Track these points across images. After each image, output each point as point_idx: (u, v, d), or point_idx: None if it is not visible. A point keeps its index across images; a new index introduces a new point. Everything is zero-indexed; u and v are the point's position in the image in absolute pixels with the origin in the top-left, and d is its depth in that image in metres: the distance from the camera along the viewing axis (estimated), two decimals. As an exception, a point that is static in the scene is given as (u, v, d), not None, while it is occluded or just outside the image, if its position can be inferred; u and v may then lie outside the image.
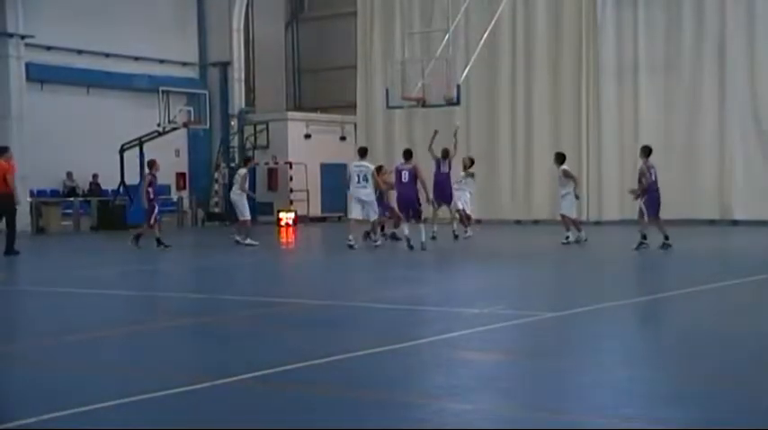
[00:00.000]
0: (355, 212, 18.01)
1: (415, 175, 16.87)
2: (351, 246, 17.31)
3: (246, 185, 19.55)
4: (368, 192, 17.70)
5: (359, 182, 17.72)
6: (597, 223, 26.43)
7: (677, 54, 25.85)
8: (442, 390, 5.94)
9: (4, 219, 18.33)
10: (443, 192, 19.57)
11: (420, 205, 17.03)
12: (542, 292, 11.48)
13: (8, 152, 18.53)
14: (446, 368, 6.72)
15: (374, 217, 18.02)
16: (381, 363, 6.86)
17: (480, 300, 10.31)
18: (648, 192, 16.61)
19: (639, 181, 16.72)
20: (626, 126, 26.52)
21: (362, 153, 18.67)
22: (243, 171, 19.86)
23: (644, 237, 16.46)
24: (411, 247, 16.66)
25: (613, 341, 7.90)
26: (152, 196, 18.63)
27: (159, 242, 18.36)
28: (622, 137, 26.56)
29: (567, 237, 18.54)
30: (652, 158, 17.24)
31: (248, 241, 18.93)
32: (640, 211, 16.75)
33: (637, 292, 10.60)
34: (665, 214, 25.55)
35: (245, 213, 19.26)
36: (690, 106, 25.68)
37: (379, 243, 18.21)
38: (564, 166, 18.94)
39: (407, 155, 17.48)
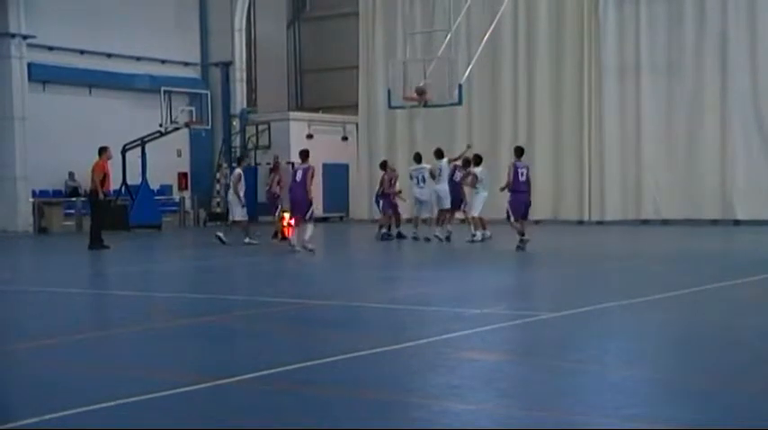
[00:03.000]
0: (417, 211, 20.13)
1: (309, 176, 16.74)
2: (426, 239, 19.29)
3: (241, 185, 19.57)
4: (424, 192, 19.77)
5: (417, 183, 19.83)
6: (599, 223, 26.44)
7: (679, 53, 25.85)
8: (444, 390, 5.94)
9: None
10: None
11: (310, 206, 16.86)
12: (543, 293, 11.48)
13: (107, 152, 19.18)
14: (447, 368, 6.71)
15: (426, 215, 20.13)
16: (382, 364, 6.87)
17: (481, 301, 10.32)
18: (513, 193, 16.73)
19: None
20: (628, 125, 26.52)
21: (418, 159, 20.52)
22: (237, 171, 19.90)
23: (521, 233, 16.69)
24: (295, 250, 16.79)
25: (614, 341, 7.90)
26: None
27: (276, 235, 19.46)
28: (625, 136, 26.56)
29: (474, 235, 18.73)
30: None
31: (221, 235, 19.16)
32: (507, 212, 16.94)
33: (638, 292, 10.59)
34: (670, 214, 25.75)
35: (241, 213, 19.43)
36: (692, 105, 25.67)
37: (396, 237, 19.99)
38: (478, 169, 18.99)
39: (304, 155, 17.32)
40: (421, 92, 20.37)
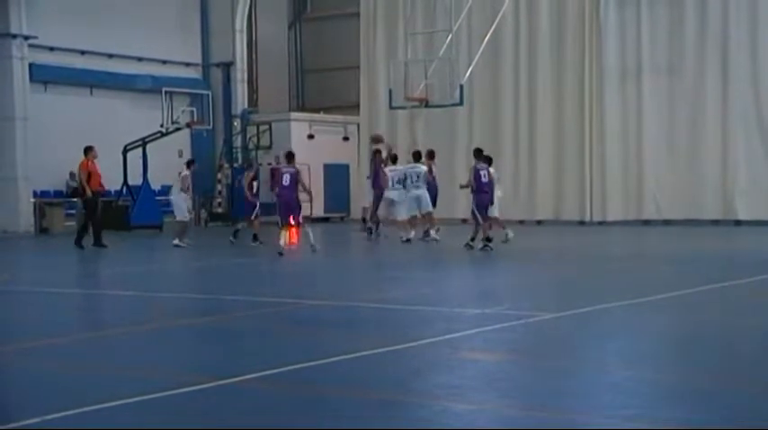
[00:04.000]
0: (411, 210, 19.37)
1: (296, 179, 16.74)
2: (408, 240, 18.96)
3: (188, 185, 20.17)
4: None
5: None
6: (601, 223, 26.45)
7: (680, 55, 25.84)
8: (445, 390, 5.95)
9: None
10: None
11: (300, 209, 16.97)
12: (544, 293, 11.48)
13: (92, 151, 19.52)
14: (448, 368, 6.73)
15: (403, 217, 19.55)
16: (384, 364, 6.88)
17: (482, 301, 10.33)
18: (477, 193, 17.03)
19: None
20: (629, 127, 26.50)
21: (417, 157, 20.01)
22: (185, 173, 20.11)
23: (488, 239, 16.86)
24: (281, 254, 16.43)
25: (615, 341, 7.90)
26: (255, 191, 19.37)
27: (255, 238, 18.86)
28: (626, 138, 26.55)
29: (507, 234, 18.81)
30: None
31: (183, 242, 19.16)
32: (473, 213, 17.23)
33: (639, 293, 10.59)
34: (671, 215, 25.71)
35: (183, 214, 19.90)
36: (693, 107, 25.65)
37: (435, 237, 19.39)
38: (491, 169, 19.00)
39: (291, 157, 17.30)
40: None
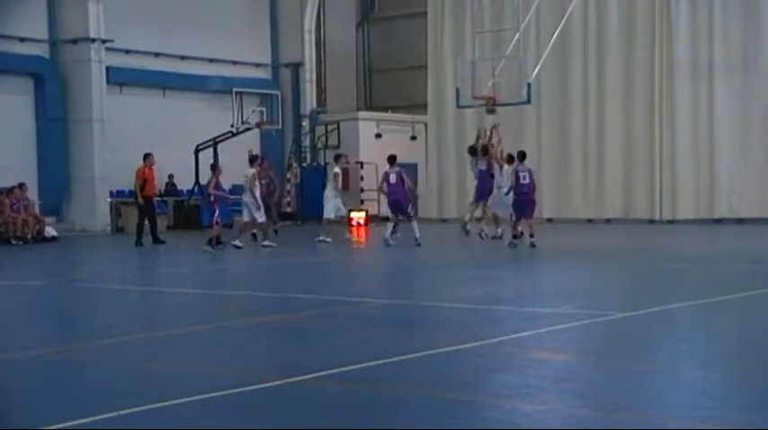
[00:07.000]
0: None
1: (402, 178, 18.36)
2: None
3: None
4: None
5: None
6: (671, 222, 26.05)
7: (755, 50, 25.28)
8: (514, 390, 5.98)
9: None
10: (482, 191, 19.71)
11: (408, 206, 18.57)
12: (614, 292, 11.40)
13: (149, 158, 20.41)
14: (517, 368, 6.76)
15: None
16: (452, 363, 6.93)
17: (551, 300, 10.31)
18: (517, 195, 17.48)
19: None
20: (700, 126, 26.04)
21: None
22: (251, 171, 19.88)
23: (514, 236, 17.43)
24: (387, 244, 17.95)
25: (686, 342, 7.83)
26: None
27: (217, 241, 18.96)
28: (697, 136, 26.09)
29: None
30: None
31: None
32: (510, 213, 17.79)
33: (710, 293, 10.45)
34: (745, 213, 25.14)
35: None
36: (767, 104, 25.08)
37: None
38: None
39: (392, 160, 18.79)
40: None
